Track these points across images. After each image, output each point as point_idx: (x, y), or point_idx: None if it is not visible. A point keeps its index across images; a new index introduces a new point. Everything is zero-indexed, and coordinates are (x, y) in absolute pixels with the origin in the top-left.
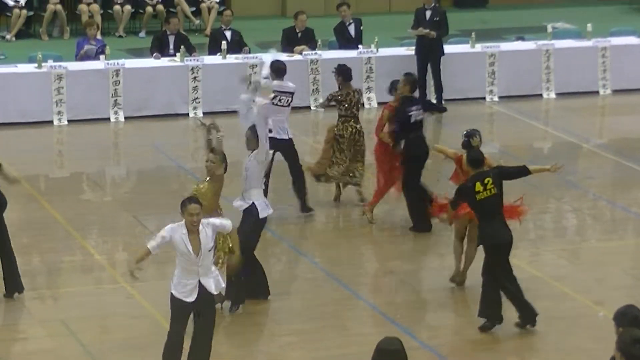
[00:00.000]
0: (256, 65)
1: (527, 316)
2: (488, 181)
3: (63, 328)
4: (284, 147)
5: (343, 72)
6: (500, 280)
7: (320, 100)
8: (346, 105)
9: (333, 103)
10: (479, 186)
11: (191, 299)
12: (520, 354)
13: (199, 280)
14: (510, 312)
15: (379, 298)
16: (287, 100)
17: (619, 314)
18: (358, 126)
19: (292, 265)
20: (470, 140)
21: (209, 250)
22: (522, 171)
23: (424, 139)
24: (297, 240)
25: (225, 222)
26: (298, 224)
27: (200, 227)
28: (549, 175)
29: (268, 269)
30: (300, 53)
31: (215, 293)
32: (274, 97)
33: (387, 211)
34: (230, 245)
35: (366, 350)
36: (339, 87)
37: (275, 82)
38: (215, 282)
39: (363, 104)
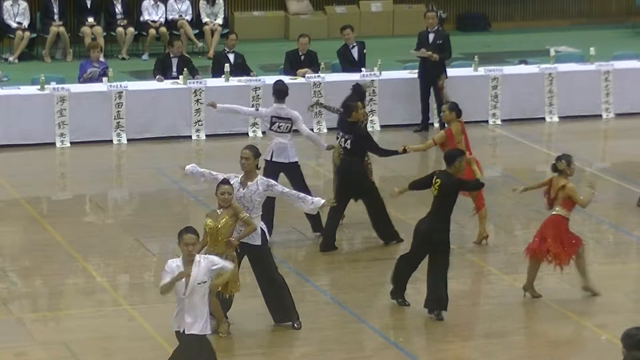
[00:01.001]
0: (259, 88)
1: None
2: (437, 182)
3: (65, 350)
4: (288, 169)
5: (356, 91)
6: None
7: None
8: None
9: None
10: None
11: (177, 327)
12: None
13: (184, 315)
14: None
15: (382, 321)
16: (287, 127)
17: (626, 336)
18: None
19: (295, 288)
20: (557, 164)
21: (199, 284)
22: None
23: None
24: (300, 263)
25: (226, 264)
26: (301, 247)
27: (197, 258)
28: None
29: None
30: (304, 76)
31: (195, 333)
32: (273, 124)
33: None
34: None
35: None
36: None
37: (275, 105)
38: (200, 326)
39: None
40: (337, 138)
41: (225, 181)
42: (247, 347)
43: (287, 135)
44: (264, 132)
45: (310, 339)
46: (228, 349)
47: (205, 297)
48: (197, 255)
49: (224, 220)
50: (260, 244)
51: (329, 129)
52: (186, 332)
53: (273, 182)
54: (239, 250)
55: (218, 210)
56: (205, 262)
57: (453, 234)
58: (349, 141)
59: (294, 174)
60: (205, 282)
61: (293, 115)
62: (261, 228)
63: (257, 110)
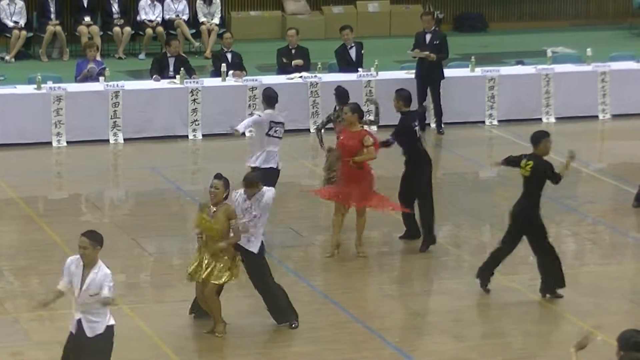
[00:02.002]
0: (255, 88)
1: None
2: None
3: (61, 350)
4: (273, 175)
5: (338, 94)
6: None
7: (318, 122)
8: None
9: (330, 125)
10: None
11: (72, 328)
12: None
13: (80, 318)
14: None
15: (378, 322)
16: (281, 132)
17: (623, 338)
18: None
19: (290, 288)
20: None
21: (90, 296)
22: None
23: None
24: (296, 263)
25: (110, 289)
26: (297, 247)
27: (97, 269)
28: (549, 200)
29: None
30: (300, 72)
31: (89, 336)
32: (270, 129)
33: (386, 234)
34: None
35: None
36: (334, 109)
37: (268, 111)
38: (92, 327)
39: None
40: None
41: (218, 175)
42: (243, 347)
43: (279, 142)
44: None
45: (307, 339)
46: (224, 349)
47: (98, 306)
48: (99, 264)
49: (220, 221)
50: (256, 252)
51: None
52: (74, 333)
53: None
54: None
55: (213, 207)
56: (100, 276)
57: (449, 234)
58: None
59: (274, 181)
60: (97, 294)
61: (283, 119)
62: (262, 241)
63: (260, 116)
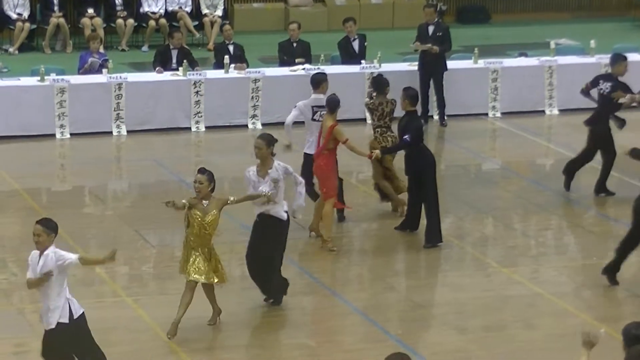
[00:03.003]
0: (258, 80)
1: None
2: None
3: None
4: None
5: (375, 82)
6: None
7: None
8: (378, 114)
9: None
10: None
11: (43, 324)
12: None
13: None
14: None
15: (380, 314)
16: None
17: (625, 332)
18: (394, 135)
19: (293, 280)
20: None
21: (45, 274)
22: None
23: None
24: (298, 256)
25: (70, 256)
26: (299, 239)
27: (48, 252)
28: (551, 193)
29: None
30: (303, 64)
31: (51, 327)
32: (315, 113)
33: (388, 225)
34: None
35: None
36: (370, 96)
37: (313, 96)
38: (53, 318)
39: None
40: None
41: (202, 170)
42: (244, 339)
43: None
44: (263, 124)
45: (309, 332)
46: (225, 341)
47: (58, 289)
48: (51, 248)
49: (211, 214)
50: (285, 219)
51: None
52: (43, 323)
53: (289, 167)
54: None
55: (204, 202)
56: (54, 256)
57: (452, 227)
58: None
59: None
60: (50, 273)
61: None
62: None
63: (296, 108)
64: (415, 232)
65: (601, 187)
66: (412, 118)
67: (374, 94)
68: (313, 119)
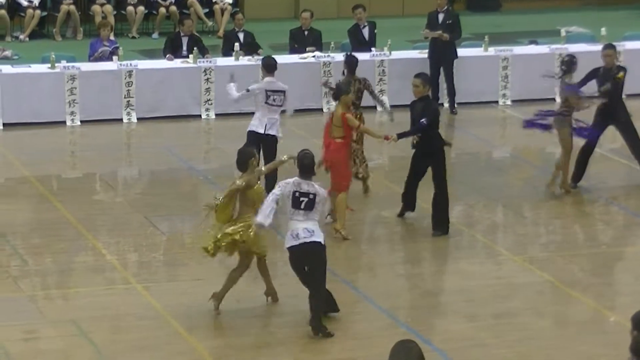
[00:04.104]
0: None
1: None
2: None
3: (74, 328)
4: (270, 142)
5: (347, 62)
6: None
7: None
8: (355, 92)
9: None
10: None
11: None
12: (533, 359)
13: None
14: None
15: (389, 302)
16: (281, 100)
17: (637, 318)
18: (358, 113)
19: None
20: None
21: None
22: None
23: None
24: None
25: None
26: None
27: None
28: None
29: (277, 271)
30: (314, 55)
31: None
32: (268, 97)
33: (398, 213)
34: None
35: (376, 353)
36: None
37: (267, 79)
38: None
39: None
40: None
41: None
42: (253, 327)
43: (279, 110)
44: None
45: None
46: (235, 328)
47: None
48: None
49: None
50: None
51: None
52: None
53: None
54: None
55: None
56: None
57: (462, 214)
58: None
59: (272, 149)
60: None
61: (285, 87)
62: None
63: (248, 90)
64: (413, 212)
65: None
66: (429, 103)
67: (344, 72)
68: (267, 103)
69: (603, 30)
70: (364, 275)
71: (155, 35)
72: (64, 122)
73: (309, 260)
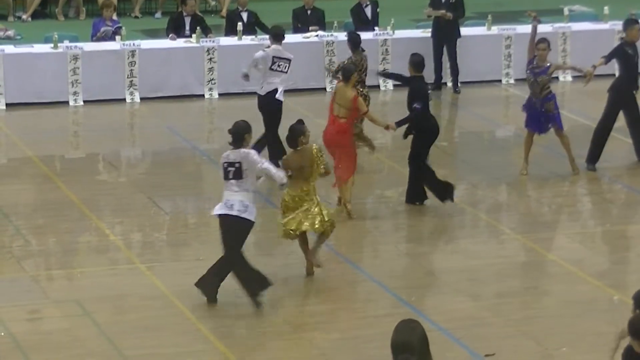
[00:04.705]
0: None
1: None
2: None
3: (78, 308)
4: (271, 101)
5: (351, 40)
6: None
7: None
8: (360, 70)
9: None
10: None
11: None
12: (536, 338)
13: None
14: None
15: (394, 281)
16: (286, 67)
17: (638, 297)
18: (365, 91)
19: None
20: None
21: None
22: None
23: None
24: None
25: None
26: None
27: None
28: (564, 159)
29: (281, 251)
30: (317, 35)
31: None
32: (273, 63)
33: (401, 193)
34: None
35: (380, 332)
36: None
37: (274, 46)
38: None
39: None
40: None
41: (300, 121)
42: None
43: (281, 75)
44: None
45: (323, 298)
46: (238, 308)
47: None
48: None
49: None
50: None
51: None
52: None
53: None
54: None
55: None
56: None
57: (465, 193)
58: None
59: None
60: None
61: (291, 56)
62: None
63: (254, 58)
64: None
65: None
66: (418, 85)
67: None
68: (271, 69)
69: (606, 9)
70: (368, 254)
71: (158, 14)
72: (67, 102)
73: (235, 234)
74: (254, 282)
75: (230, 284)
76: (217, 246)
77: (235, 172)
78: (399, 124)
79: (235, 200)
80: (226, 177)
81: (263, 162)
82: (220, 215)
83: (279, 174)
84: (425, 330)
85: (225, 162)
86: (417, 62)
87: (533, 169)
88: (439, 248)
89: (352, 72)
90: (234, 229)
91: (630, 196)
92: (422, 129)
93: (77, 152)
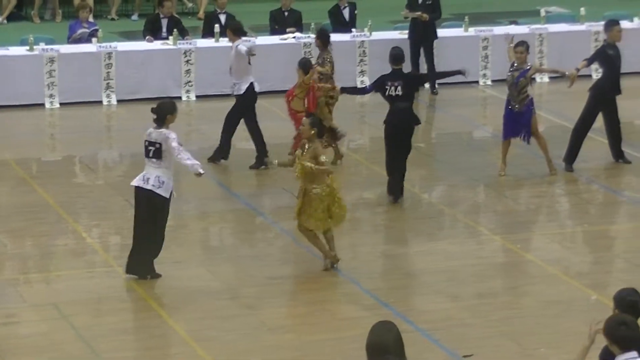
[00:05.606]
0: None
1: None
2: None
3: (55, 312)
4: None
5: (321, 37)
6: None
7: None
8: (330, 67)
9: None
10: None
11: None
12: (515, 338)
13: None
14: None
15: (372, 282)
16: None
17: (619, 297)
18: (335, 93)
19: (284, 249)
20: None
21: None
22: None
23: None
24: (290, 224)
25: None
26: (291, 208)
27: None
28: (542, 160)
29: (260, 253)
30: (294, 36)
31: None
32: (250, 58)
33: (380, 194)
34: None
35: (360, 334)
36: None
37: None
38: None
39: None
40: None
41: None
42: (235, 307)
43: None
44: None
45: (301, 300)
46: (217, 310)
47: None
48: None
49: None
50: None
51: None
52: None
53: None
54: None
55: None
56: None
57: (443, 194)
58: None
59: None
60: None
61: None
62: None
63: (249, 48)
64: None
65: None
66: (383, 74)
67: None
68: (250, 63)
69: (582, 10)
70: (346, 256)
71: (134, 16)
72: (43, 105)
73: (147, 208)
74: (146, 267)
75: (207, 286)
76: (194, 249)
77: (155, 151)
78: (344, 89)
79: (152, 175)
80: (147, 155)
81: (180, 150)
82: (135, 187)
83: (195, 166)
84: (400, 331)
85: (146, 141)
86: (394, 55)
87: (511, 170)
88: (418, 249)
89: (308, 65)
90: (147, 204)
91: (607, 196)
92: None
93: (53, 155)
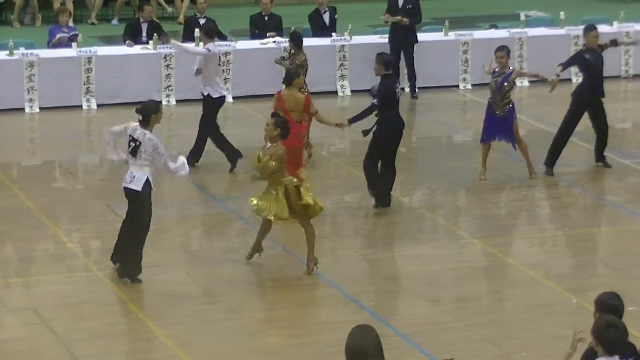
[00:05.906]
0: (229, 53)
1: None
2: None
3: (35, 316)
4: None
5: (293, 39)
6: None
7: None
8: (304, 70)
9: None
10: None
11: None
12: (496, 342)
13: None
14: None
15: (353, 286)
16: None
17: (600, 301)
18: (305, 90)
19: (266, 252)
20: None
21: None
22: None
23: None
24: (273, 229)
25: None
26: None
27: None
28: (522, 164)
29: (240, 257)
30: (274, 41)
31: None
32: (219, 59)
33: (360, 198)
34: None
35: (340, 338)
36: (290, 53)
37: (215, 43)
38: None
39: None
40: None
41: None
42: (217, 312)
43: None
44: (234, 97)
45: (284, 303)
46: (198, 315)
47: None
48: None
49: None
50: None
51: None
52: None
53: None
54: None
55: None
56: None
57: (424, 198)
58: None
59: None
60: None
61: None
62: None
63: (210, 50)
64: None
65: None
66: (384, 82)
67: (292, 51)
68: (219, 64)
69: (562, 14)
70: (327, 260)
71: (114, 21)
72: (23, 109)
73: (129, 204)
74: (133, 268)
75: (187, 291)
76: (174, 253)
77: (133, 148)
78: (352, 120)
79: (128, 171)
80: (128, 149)
81: (164, 156)
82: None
83: (181, 171)
84: (381, 335)
85: (130, 136)
86: (385, 60)
87: (491, 174)
88: (399, 253)
89: (293, 76)
90: (128, 199)
91: (587, 200)
92: (382, 129)
93: (33, 159)
